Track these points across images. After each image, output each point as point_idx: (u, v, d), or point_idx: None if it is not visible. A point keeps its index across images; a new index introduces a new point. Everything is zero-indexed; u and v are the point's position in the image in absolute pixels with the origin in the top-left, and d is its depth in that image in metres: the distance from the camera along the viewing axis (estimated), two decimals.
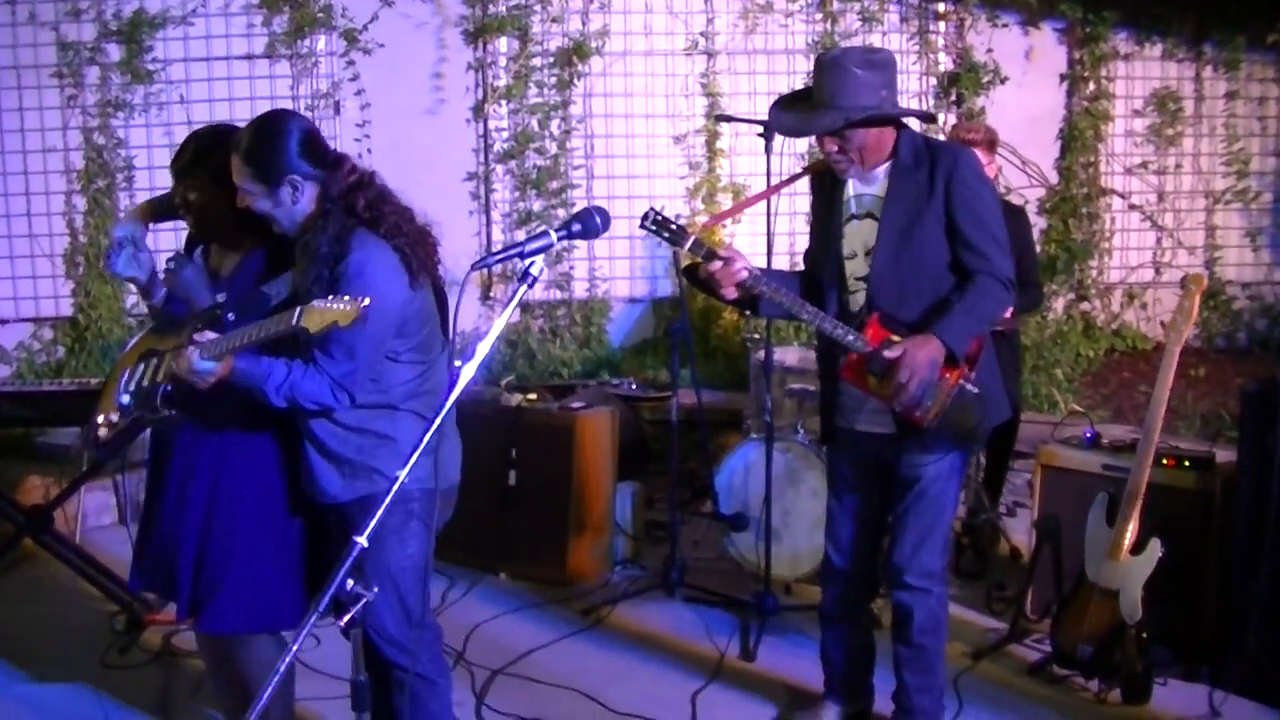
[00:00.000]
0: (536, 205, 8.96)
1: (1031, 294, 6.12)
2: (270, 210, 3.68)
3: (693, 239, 4.08)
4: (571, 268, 8.98)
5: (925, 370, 3.91)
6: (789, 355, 6.79)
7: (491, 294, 9.05)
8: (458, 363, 2.83)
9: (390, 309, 3.60)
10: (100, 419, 4.05)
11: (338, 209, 3.63)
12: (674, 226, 4.13)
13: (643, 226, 4.14)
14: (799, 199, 7.79)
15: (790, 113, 4.21)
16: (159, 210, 4.16)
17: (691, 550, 6.49)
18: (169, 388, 3.83)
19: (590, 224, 2.99)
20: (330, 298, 3.33)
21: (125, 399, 4.00)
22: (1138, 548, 4.75)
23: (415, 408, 3.76)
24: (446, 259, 3.91)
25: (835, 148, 4.03)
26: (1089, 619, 4.84)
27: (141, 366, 4.01)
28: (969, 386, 4.04)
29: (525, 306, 9.00)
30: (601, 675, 5.26)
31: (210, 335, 3.55)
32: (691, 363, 6.44)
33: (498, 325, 2.90)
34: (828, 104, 3.98)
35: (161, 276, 4.04)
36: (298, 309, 3.34)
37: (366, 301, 3.35)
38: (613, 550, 6.55)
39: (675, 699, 5.02)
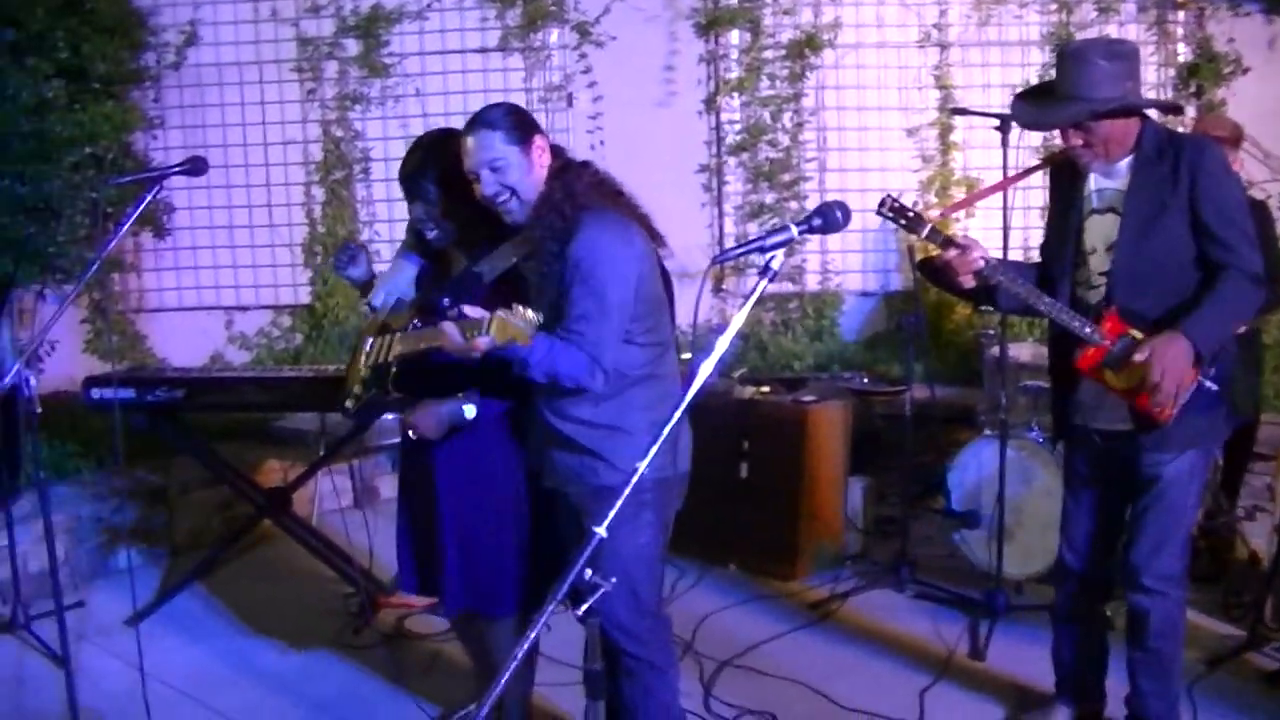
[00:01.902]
0: (769, 198, 8.95)
1: (1275, 291, 5.91)
2: (519, 180, 3.76)
3: (930, 226, 4.06)
4: (804, 260, 8.94)
5: (1175, 368, 3.82)
6: (1023, 351, 6.69)
7: (724, 286, 9.08)
8: (686, 355, 2.86)
9: (628, 275, 3.67)
10: (350, 390, 4.26)
11: (557, 188, 3.72)
12: (910, 214, 4.11)
13: (879, 213, 4.13)
14: (1032, 193, 7.67)
15: (1032, 105, 4.16)
16: (419, 247, 4.33)
17: (922, 546, 6.45)
18: (396, 369, 4.01)
19: (831, 219, 2.98)
20: (516, 309, 3.38)
21: (367, 372, 4.19)
22: None
23: (645, 396, 3.80)
24: (679, 251, 3.97)
25: (1080, 140, 3.96)
26: None
27: (377, 341, 4.19)
28: (1207, 384, 3.94)
29: (758, 299, 8.97)
30: (829, 670, 5.28)
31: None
32: (926, 357, 6.40)
33: (736, 320, 2.91)
34: (1071, 95, 3.91)
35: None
36: (485, 316, 3.42)
37: (540, 319, 3.42)
38: (843, 544, 6.55)
39: (903, 695, 5.00)
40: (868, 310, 9.14)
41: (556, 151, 3.85)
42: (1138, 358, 3.87)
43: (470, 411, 3.88)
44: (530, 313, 3.38)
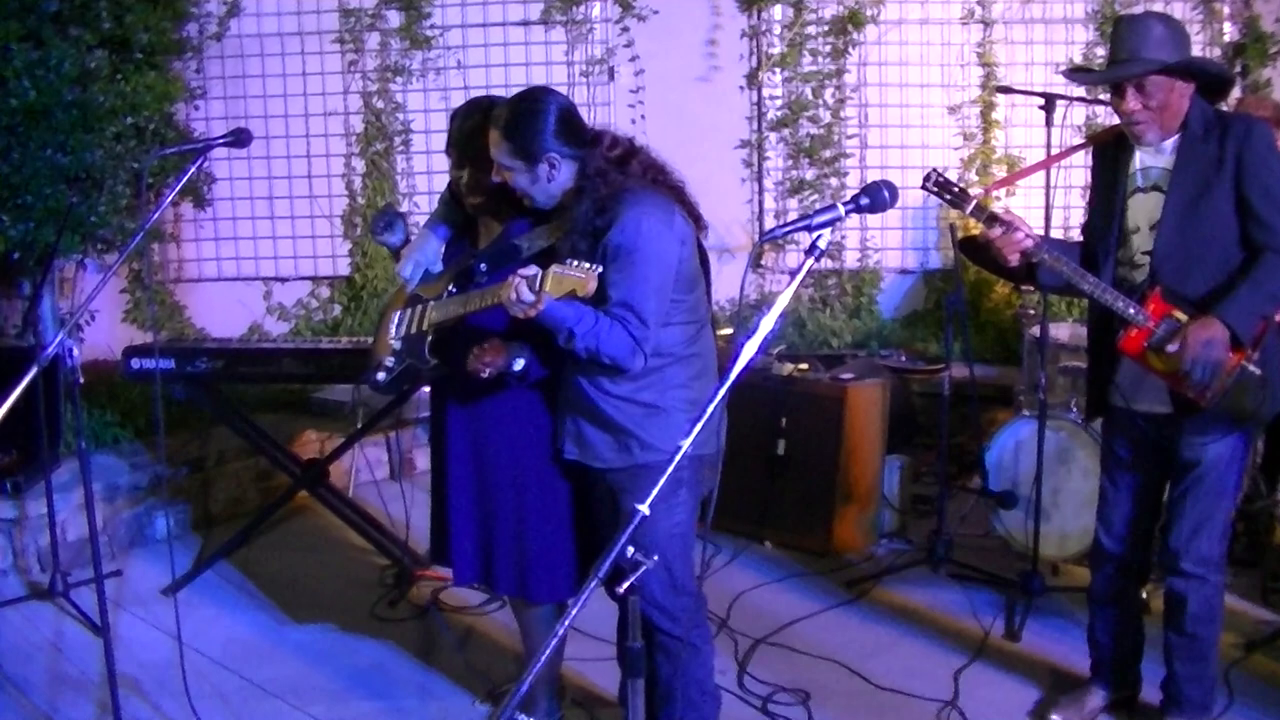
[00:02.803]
0: (809, 174, 8.91)
1: None
2: (527, 187, 3.79)
3: (974, 203, 4.05)
4: (843, 237, 8.90)
5: (1207, 354, 3.79)
6: (1062, 331, 6.65)
7: (763, 262, 9.06)
8: (726, 330, 2.85)
9: (670, 258, 3.67)
10: (380, 361, 4.26)
11: (595, 183, 3.70)
12: (956, 189, 4.10)
13: (924, 187, 4.12)
14: (1074, 173, 7.61)
15: (1090, 73, 4.12)
16: (450, 217, 4.32)
17: (958, 526, 6.43)
18: (432, 338, 4.01)
19: (879, 198, 2.97)
20: (571, 263, 3.39)
21: (397, 343, 4.19)
22: None
23: (683, 374, 3.81)
24: (718, 226, 3.96)
25: (1138, 104, 3.93)
26: None
27: (409, 311, 4.19)
28: (1251, 368, 3.90)
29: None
30: (864, 648, 5.27)
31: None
32: (965, 336, 6.37)
33: (781, 300, 2.87)
34: (1133, 57, 3.90)
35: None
36: (537, 274, 3.41)
37: (600, 269, 3.42)
38: (879, 523, 6.55)
39: (938, 675, 5.00)
40: (907, 288, 9.11)
41: (598, 139, 3.81)
42: (1170, 349, 3.85)
43: (520, 364, 3.86)
44: (586, 263, 3.39)
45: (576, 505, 4.14)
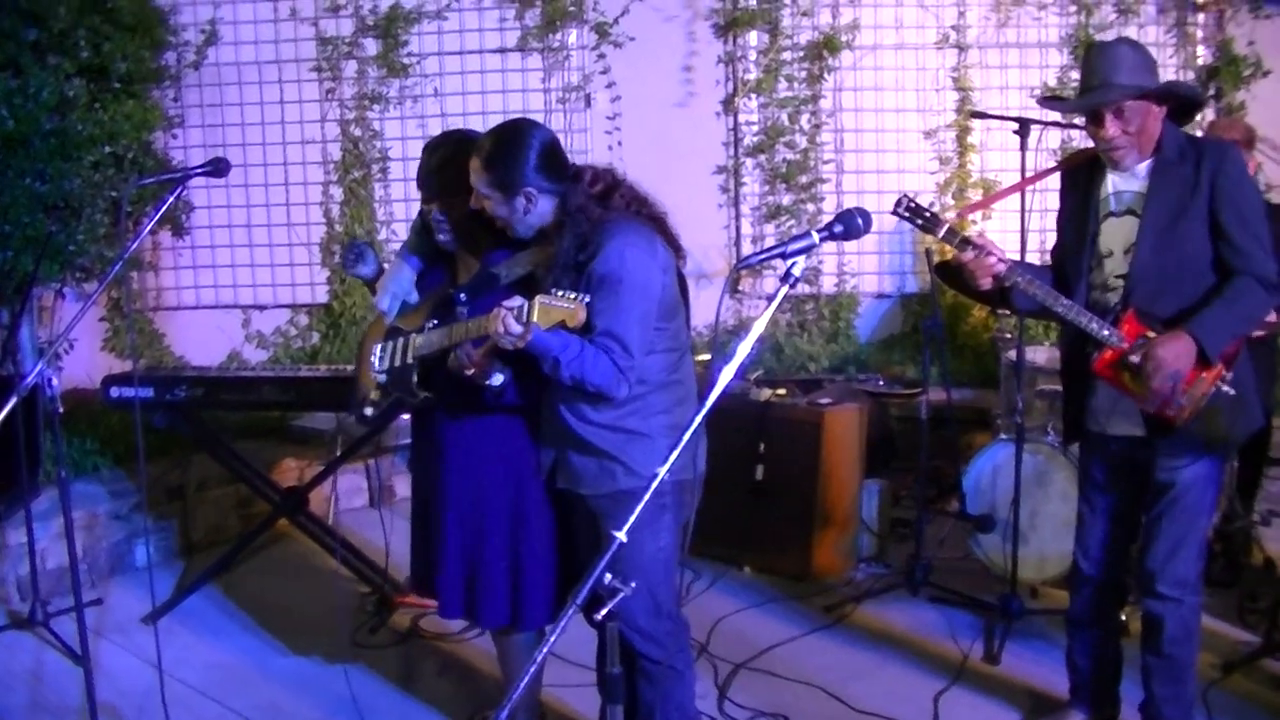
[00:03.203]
0: (786, 199, 8.94)
1: None
2: (505, 216, 3.82)
3: (946, 227, 4.08)
4: (820, 262, 8.92)
5: (1171, 364, 3.84)
6: (1039, 355, 6.68)
7: (740, 288, 9.08)
8: (704, 357, 2.87)
9: (653, 287, 3.70)
10: (366, 395, 4.27)
11: (577, 219, 3.72)
12: (927, 214, 4.12)
13: (895, 213, 4.15)
14: (1049, 195, 7.64)
15: (1068, 100, 4.16)
16: (422, 248, 4.34)
17: (936, 549, 6.46)
18: (416, 370, 4.03)
19: (852, 225, 3.00)
20: (557, 294, 3.42)
21: (382, 377, 4.20)
22: None
23: (664, 401, 3.83)
24: (695, 251, 3.98)
25: (1117, 130, 3.97)
26: None
27: (390, 344, 4.21)
28: (1225, 388, 3.94)
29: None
30: (844, 672, 5.29)
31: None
32: (943, 360, 6.40)
33: (757, 326, 2.91)
34: (1109, 83, 3.95)
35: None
36: (523, 305, 3.44)
37: (588, 299, 3.44)
38: (857, 547, 6.56)
39: (917, 699, 5.02)
40: (884, 312, 9.14)
41: (579, 174, 3.84)
42: (1134, 359, 3.89)
43: (499, 379, 3.86)
44: (573, 293, 3.41)
45: (560, 530, 4.15)
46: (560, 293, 3.41)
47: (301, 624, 5.90)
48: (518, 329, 3.43)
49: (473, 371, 3.77)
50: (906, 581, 6.18)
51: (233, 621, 5.99)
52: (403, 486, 7.89)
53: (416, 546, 4.43)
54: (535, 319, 3.38)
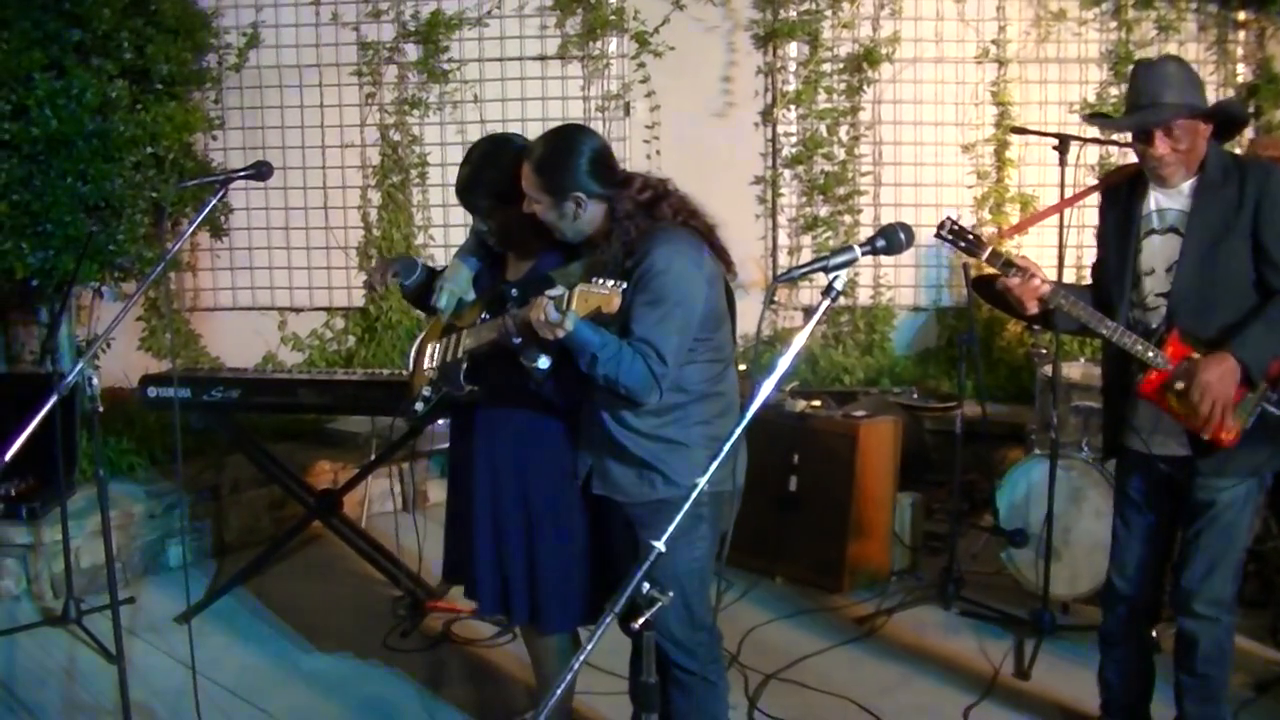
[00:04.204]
0: (823, 211, 8.95)
1: None
2: (554, 221, 3.83)
3: (990, 249, 4.06)
4: (857, 274, 8.90)
5: (1216, 387, 3.82)
6: (1073, 370, 6.65)
7: (776, 299, 9.07)
8: (742, 367, 2.86)
9: (696, 297, 3.69)
10: (419, 394, 4.29)
11: (625, 226, 3.73)
12: (970, 236, 4.11)
13: (938, 236, 4.14)
14: (1088, 213, 7.61)
15: (1115, 118, 4.14)
16: (480, 249, 4.36)
17: (969, 563, 6.44)
18: (467, 364, 4.04)
19: (895, 240, 2.99)
20: (597, 280, 3.43)
21: (433, 374, 4.22)
22: None
23: (705, 411, 3.83)
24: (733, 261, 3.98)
25: (1167, 148, 3.95)
26: None
27: (444, 341, 4.23)
28: (1270, 408, 3.92)
29: (810, 312, 8.96)
30: (874, 685, 5.28)
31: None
32: (978, 374, 6.39)
33: (798, 340, 2.90)
34: (1159, 102, 3.92)
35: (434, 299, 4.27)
36: (564, 293, 3.45)
37: (624, 286, 3.45)
38: (890, 560, 6.53)
39: (948, 713, 5.01)
40: (919, 325, 9.12)
41: (629, 180, 3.84)
42: (1178, 386, 3.88)
43: (546, 362, 3.85)
44: (610, 280, 3.42)
45: (592, 537, 4.16)
46: (599, 280, 3.42)
47: (333, 627, 5.92)
48: (557, 315, 3.43)
49: (520, 341, 3.74)
50: (938, 595, 6.17)
51: (265, 623, 6.02)
52: (435, 492, 7.91)
53: (450, 539, 4.45)
54: (574, 306, 3.39)
